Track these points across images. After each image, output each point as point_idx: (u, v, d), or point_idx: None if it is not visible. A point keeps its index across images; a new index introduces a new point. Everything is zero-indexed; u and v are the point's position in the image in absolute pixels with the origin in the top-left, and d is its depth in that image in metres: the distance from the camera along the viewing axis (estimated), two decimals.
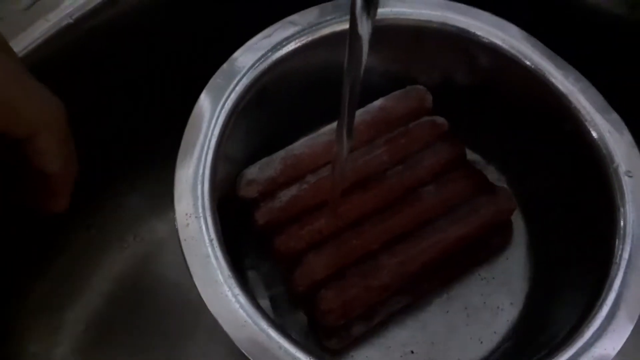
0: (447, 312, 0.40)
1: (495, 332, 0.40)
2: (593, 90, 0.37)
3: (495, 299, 0.41)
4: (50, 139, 0.23)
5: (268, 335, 0.27)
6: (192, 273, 0.28)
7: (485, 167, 0.45)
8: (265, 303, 0.40)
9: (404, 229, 0.38)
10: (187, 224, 0.30)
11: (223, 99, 0.34)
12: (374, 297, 0.36)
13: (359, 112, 0.42)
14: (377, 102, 0.42)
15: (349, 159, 0.39)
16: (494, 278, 0.42)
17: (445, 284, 0.41)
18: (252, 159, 0.39)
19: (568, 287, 0.37)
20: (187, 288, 0.28)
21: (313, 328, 0.38)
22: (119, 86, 0.40)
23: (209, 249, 0.29)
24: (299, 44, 0.37)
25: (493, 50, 0.39)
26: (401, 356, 0.39)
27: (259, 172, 0.38)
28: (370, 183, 0.39)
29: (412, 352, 0.39)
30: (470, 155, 0.45)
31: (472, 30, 0.38)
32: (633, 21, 0.40)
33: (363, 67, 0.23)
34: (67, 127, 0.24)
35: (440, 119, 0.42)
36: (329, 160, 0.39)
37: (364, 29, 0.22)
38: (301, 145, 0.40)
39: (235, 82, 0.35)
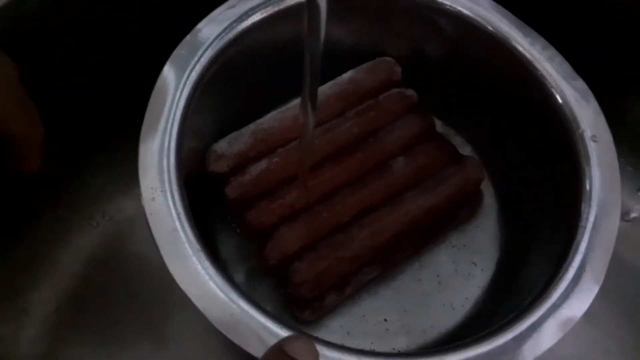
0: (419, 280, 0.41)
1: (466, 298, 0.41)
2: (560, 58, 0.37)
3: (466, 266, 0.42)
4: (6, 102, 0.22)
5: (239, 307, 0.27)
6: (160, 247, 0.28)
7: (455, 138, 0.46)
8: (239, 278, 0.40)
9: (375, 200, 0.38)
10: (153, 198, 0.29)
11: (187, 71, 0.33)
12: (346, 268, 0.36)
13: (328, 85, 0.41)
14: (347, 75, 0.42)
15: (317, 132, 0.39)
16: (465, 245, 0.42)
17: (416, 253, 0.41)
18: (221, 134, 0.39)
19: (537, 252, 0.38)
20: (159, 265, 0.28)
21: (287, 300, 0.38)
22: (80, 60, 0.39)
23: (177, 223, 0.29)
24: (264, 15, 0.36)
25: (460, 19, 0.38)
26: (375, 325, 0.39)
27: (228, 146, 0.38)
28: (341, 156, 0.39)
29: (386, 320, 0.39)
30: (440, 126, 0.45)
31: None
32: None
33: (323, 37, 0.23)
34: (23, 88, 0.24)
35: (409, 91, 0.42)
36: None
37: None
38: (271, 119, 0.39)
39: (199, 53, 0.34)
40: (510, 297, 0.37)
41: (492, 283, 0.41)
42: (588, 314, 0.41)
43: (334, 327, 0.39)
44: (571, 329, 0.30)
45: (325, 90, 0.41)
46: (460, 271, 0.42)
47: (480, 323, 0.39)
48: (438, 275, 0.41)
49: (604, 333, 0.43)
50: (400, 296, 0.40)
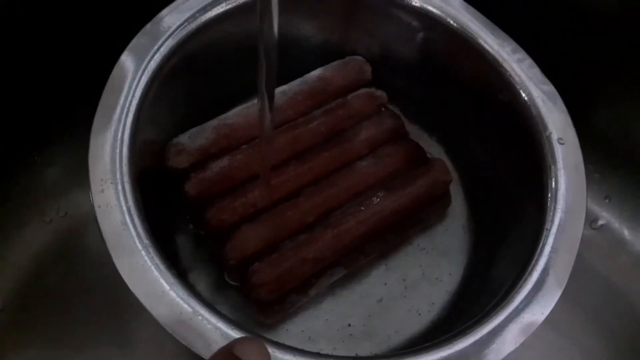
0: (385, 284, 0.40)
1: (433, 304, 0.40)
2: (529, 61, 0.37)
3: (434, 270, 0.41)
4: None
5: (189, 306, 0.26)
6: (107, 241, 0.26)
7: (426, 139, 0.45)
8: (197, 277, 0.38)
9: (340, 201, 0.37)
10: (102, 190, 0.28)
11: (146, 60, 0.32)
12: (309, 270, 0.35)
13: (296, 82, 0.41)
14: (316, 72, 0.41)
15: (283, 130, 0.38)
16: (433, 249, 0.42)
17: (383, 256, 0.40)
18: (182, 128, 0.37)
19: (504, 256, 0.38)
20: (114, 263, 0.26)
21: (247, 301, 0.37)
22: (31, 47, 0.37)
23: (126, 216, 0.27)
24: (230, 6, 0.35)
25: (430, 19, 0.38)
26: (338, 330, 0.38)
27: (189, 141, 0.37)
28: (307, 155, 0.38)
29: (350, 325, 0.38)
30: (411, 127, 0.45)
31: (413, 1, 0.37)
32: None
33: (276, 27, 0.22)
34: None
35: (378, 91, 0.42)
36: None
37: None
38: (235, 115, 0.38)
39: (159, 43, 0.33)
40: (476, 301, 0.37)
41: (460, 287, 0.41)
42: (554, 320, 0.41)
43: (296, 332, 0.37)
44: (536, 335, 0.29)
45: (293, 87, 0.40)
46: (427, 275, 0.41)
47: (446, 328, 0.38)
48: (405, 279, 0.40)
49: (570, 340, 0.42)
50: (365, 300, 0.39)
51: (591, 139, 0.43)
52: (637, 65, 0.41)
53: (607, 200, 0.47)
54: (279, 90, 0.39)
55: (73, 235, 0.41)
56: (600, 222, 0.47)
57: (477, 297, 0.37)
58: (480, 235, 0.42)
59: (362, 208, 0.37)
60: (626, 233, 0.46)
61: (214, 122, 0.38)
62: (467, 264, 0.41)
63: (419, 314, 0.39)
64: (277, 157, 0.37)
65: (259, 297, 0.34)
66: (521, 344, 0.28)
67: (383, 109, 0.42)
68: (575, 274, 0.43)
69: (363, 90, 0.41)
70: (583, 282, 0.44)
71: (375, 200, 0.37)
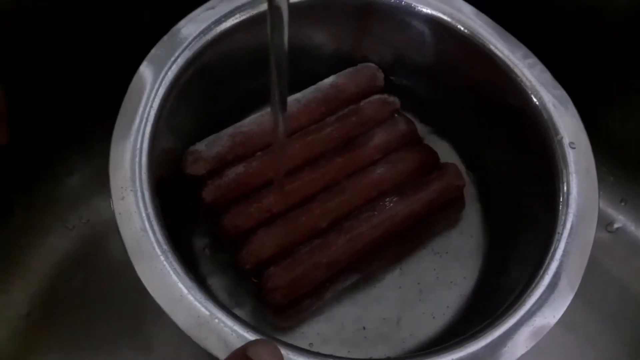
0: (400, 287, 0.40)
1: (448, 307, 0.40)
2: (540, 66, 0.37)
3: (448, 274, 0.41)
4: None
5: (207, 309, 0.27)
6: (127, 247, 0.27)
7: (440, 143, 0.45)
8: (215, 282, 0.39)
9: (353, 206, 0.38)
10: (123, 198, 0.29)
11: (164, 71, 0.33)
12: (323, 274, 0.36)
13: (310, 90, 0.41)
14: (328, 80, 0.42)
15: (297, 136, 0.39)
16: (447, 252, 0.42)
17: (397, 260, 0.41)
18: (199, 136, 0.38)
19: (518, 259, 0.38)
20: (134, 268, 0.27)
21: (263, 306, 0.38)
22: (58, 57, 0.38)
23: (146, 223, 0.28)
24: (244, 17, 0.36)
25: (442, 26, 0.38)
26: (353, 332, 0.38)
27: (206, 149, 0.38)
28: (320, 161, 0.39)
29: (364, 328, 0.39)
30: (425, 132, 0.45)
31: (420, 5, 0.38)
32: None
33: (286, 39, 0.23)
34: None
35: (391, 97, 0.42)
36: None
37: (281, 1, 0.21)
38: (250, 123, 0.39)
39: (177, 53, 0.34)
40: (490, 304, 0.37)
41: (474, 291, 0.41)
42: (570, 323, 0.41)
43: (311, 334, 0.38)
44: (552, 337, 0.29)
45: (307, 95, 0.41)
46: (442, 279, 0.41)
47: (461, 331, 0.38)
48: (419, 283, 0.41)
49: (586, 342, 0.42)
50: (380, 303, 0.40)
51: (605, 142, 0.43)
52: None
53: (622, 204, 0.46)
54: (292, 98, 0.40)
55: (94, 241, 0.42)
56: (616, 225, 0.46)
57: (491, 300, 0.37)
58: (494, 239, 0.42)
59: (376, 213, 0.38)
60: None
61: (229, 130, 0.39)
62: (481, 268, 0.42)
63: (434, 317, 0.40)
64: (291, 163, 0.38)
65: (274, 300, 0.35)
66: (537, 347, 0.29)
67: (396, 114, 0.42)
68: (591, 277, 0.43)
69: (376, 97, 0.42)
70: (599, 285, 0.44)
71: (389, 205, 0.38)
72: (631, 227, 0.46)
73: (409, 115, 0.43)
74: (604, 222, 0.46)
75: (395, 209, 0.38)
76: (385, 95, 0.42)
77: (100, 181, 0.42)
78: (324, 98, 0.41)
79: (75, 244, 0.42)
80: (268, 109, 0.40)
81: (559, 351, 0.41)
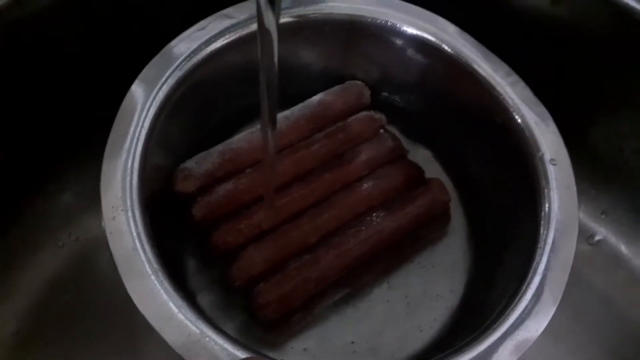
0: (388, 301, 0.41)
1: (435, 320, 0.40)
2: (522, 84, 0.38)
3: (435, 287, 0.41)
4: None
5: (197, 327, 0.27)
6: (118, 266, 0.28)
7: (425, 159, 0.46)
8: (205, 299, 0.39)
9: (342, 222, 0.38)
10: (114, 217, 0.29)
11: (155, 90, 0.34)
12: (312, 290, 0.36)
13: (298, 107, 0.42)
14: (316, 97, 0.43)
15: (286, 153, 0.40)
16: (434, 266, 0.42)
17: (385, 274, 0.41)
18: (189, 153, 0.39)
19: (502, 273, 0.38)
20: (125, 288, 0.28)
21: (253, 322, 0.38)
22: (47, 77, 0.39)
23: (136, 242, 0.29)
24: (234, 37, 0.37)
25: (427, 45, 0.39)
26: (342, 347, 0.39)
27: (196, 166, 0.38)
28: (309, 177, 0.40)
29: (353, 342, 0.39)
30: (410, 147, 0.46)
31: (405, 25, 0.39)
32: (554, 15, 0.41)
33: (276, 60, 0.23)
34: None
35: (378, 114, 0.43)
36: None
37: (271, 22, 0.22)
38: (240, 140, 0.40)
39: (168, 73, 0.34)
40: (477, 317, 0.37)
41: (460, 304, 0.41)
42: (554, 333, 0.42)
43: (300, 350, 0.38)
44: (537, 348, 0.30)
45: (295, 112, 0.42)
46: (429, 292, 0.42)
47: (448, 344, 0.39)
48: (407, 297, 0.41)
49: (570, 353, 0.43)
50: (368, 318, 0.40)
51: (586, 156, 0.45)
52: (624, 86, 0.42)
53: (603, 216, 0.48)
54: (281, 115, 0.41)
55: (84, 259, 0.42)
56: (597, 238, 0.48)
57: (477, 313, 0.38)
58: (480, 253, 0.43)
59: (363, 228, 0.38)
60: (623, 248, 0.47)
61: (219, 147, 0.39)
62: (467, 281, 0.42)
63: (421, 330, 0.40)
64: (281, 180, 0.39)
65: (264, 316, 0.35)
66: (523, 358, 0.29)
67: (382, 130, 0.43)
68: (574, 288, 0.43)
69: (363, 114, 0.43)
70: (582, 296, 0.45)
71: (376, 220, 0.39)
72: (612, 239, 0.48)
73: (395, 132, 0.44)
74: (586, 235, 0.47)
75: (382, 224, 0.39)
76: (372, 112, 0.43)
77: (91, 199, 0.43)
78: (312, 115, 0.42)
79: (65, 262, 0.42)
80: (258, 126, 0.41)
81: None
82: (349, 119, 0.42)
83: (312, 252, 0.37)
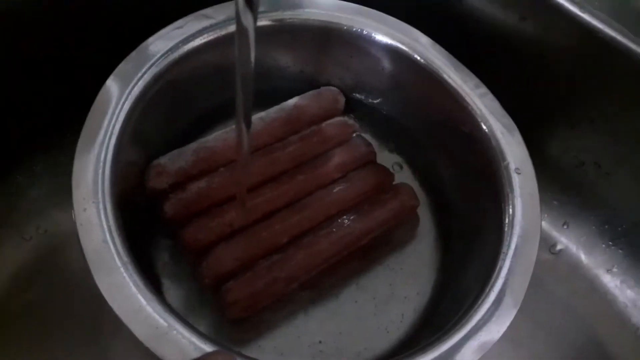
0: (356, 302, 0.41)
1: (402, 322, 0.41)
2: (490, 96, 0.40)
3: (402, 289, 0.42)
4: None
5: (165, 320, 0.27)
6: (87, 258, 0.28)
7: (396, 164, 0.47)
8: (175, 295, 0.39)
9: (313, 223, 0.39)
10: (85, 209, 0.29)
11: (131, 85, 0.34)
12: (281, 289, 0.37)
13: (274, 109, 0.43)
14: (292, 101, 0.43)
15: (260, 154, 0.40)
16: (402, 268, 0.43)
17: (353, 275, 0.42)
18: (163, 150, 0.39)
19: (468, 276, 0.39)
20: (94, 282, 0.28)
21: (221, 318, 0.38)
22: (18, 69, 0.38)
23: (107, 235, 0.29)
24: (212, 37, 0.37)
25: (399, 55, 0.41)
26: (309, 346, 0.39)
27: (169, 163, 0.38)
28: (282, 178, 0.40)
29: (320, 341, 0.39)
30: (381, 152, 0.47)
31: (379, 34, 0.40)
32: (522, 30, 0.43)
33: (253, 60, 0.24)
34: None
35: (351, 120, 0.44)
36: None
37: (249, 24, 0.23)
38: (214, 139, 0.40)
39: (144, 69, 0.35)
40: (443, 319, 0.38)
41: (427, 306, 0.42)
42: (515, 340, 0.43)
43: (268, 348, 0.39)
44: (498, 353, 0.31)
45: (270, 114, 0.42)
46: (396, 294, 0.42)
47: (414, 345, 0.40)
48: (375, 298, 0.42)
49: (531, 358, 0.44)
50: (336, 318, 0.41)
51: (549, 168, 0.47)
52: (585, 101, 0.44)
53: (565, 227, 0.49)
54: (256, 116, 0.41)
55: (52, 253, 0.41)
56: (559, 247, 0.49)
57: (444, 315, 0.39)
58: (447, 256, 0.44)
59: (334, 230, 0.39)
60: (583, 258, 0.49)
61: (193, 145, 0.39)
62: (434, 283, 0.43)
63: (388, 331, 0.41)
64: (254, 180, 0.39)
65: (232, 314, 0.35)
66: None
67: (355, 135, 0.44)
68: (535, 296, 0.45)
69: (337, 119, 0.44)
70: (543, 304, 0.46)
71: (347, 222, 0.39)
72: (573, 248, 0.49)
73: (367, 137, 0.45)
74: (548, 244, 0.49)
75: (352, 226, 0.39)
76: (346, 118, 0.44)
77: (60, 192, 0.42)
78: (288, 118, 0.42)
79: (31, 255, 0.41)
80: (233, 126, 0.41)
81: None
82: (323, 124, 0.43)
83: (282, 251, 0.37)
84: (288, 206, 0.39)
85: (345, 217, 0.39)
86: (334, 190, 0.40)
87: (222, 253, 0.36)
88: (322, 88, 0.44)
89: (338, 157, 0.42)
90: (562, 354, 0.45)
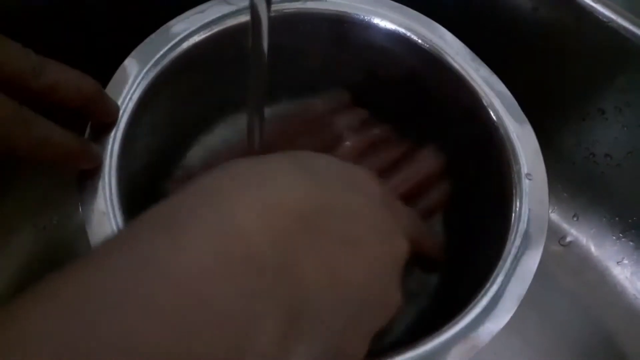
0: None
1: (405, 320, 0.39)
2: (507, 93, 0.38)
3: (405, 287, 0.41)
4: None
5: None
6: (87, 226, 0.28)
7: None
8: None
9: None
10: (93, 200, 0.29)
11: (148, 65, 0.33)
12: None
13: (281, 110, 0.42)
14: (300, 102, 0.42)
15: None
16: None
17: None
18: (174, 135, 0.38)
19: (469, 278, 0.37)
20: None
21: None
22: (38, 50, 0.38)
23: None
24: (233, 23, 0.37)
25: (418, 49, 0.39)
26: None
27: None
28: None
29: None
30: None
31: (395, 26, 0.39)
32: (534, 21, 0.42)
33: (266, 51, 0.24)
34: None
35: (360, 110, 0.43)
36: None
37: (263, 12, 0.23)
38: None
39: (163, 51, 0.34)
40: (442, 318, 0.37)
41: (430, 304, 0.41)
42: (523, 333, 0.43)
43: None
44: (506, 345, 0.29)
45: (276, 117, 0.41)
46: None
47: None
48: None
49: (539, 353, 0.44)
50: None
51: (559, 160, 0.47)
52: (594, 95, 0.43)
53: (575, 219, 0.49)
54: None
55: (65, 243, 0.41)
56: (568, 239, 0.49)
57: (445, 315, 0.38)
58: (451, 255, 0.41)
59: None
60: (593, 250, 0.49)
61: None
62: (436, 283, 0.41)
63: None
64: None
65: None
66: (493, 355, 0.29)
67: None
68: (544, 288, 0.45)
69: (346, 110, 0.43)
70: (552, 296, 0.46)
71: None
72: (582, 240, 0.49)
73: None
74: (558, 236, 0.49)
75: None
76: (356, 108, 0.43)
77: (73, 183, 0.42)
78: (297, 118, 0.41)
79: (43, 245, 0.41)
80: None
81: (511, 358, 0.43)
82: (334, 117, 0.42)
83: None
84: None
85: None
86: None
87: None
88: (332, 90, 0.43)
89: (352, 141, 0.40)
90: (570, 345, 0.45)
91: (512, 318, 0.31)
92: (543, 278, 0.33)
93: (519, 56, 0.45)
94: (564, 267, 0.48)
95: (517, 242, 0.33)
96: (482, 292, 0.31)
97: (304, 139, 0.41)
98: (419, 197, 0.41)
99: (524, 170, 0.35)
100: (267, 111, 0.41)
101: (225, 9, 0.37)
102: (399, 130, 0.45)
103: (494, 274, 0.32)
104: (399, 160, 0.41)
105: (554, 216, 0.49)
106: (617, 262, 0.48)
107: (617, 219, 0.48)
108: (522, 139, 0.36)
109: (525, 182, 0.35)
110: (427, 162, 0.41)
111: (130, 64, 0.33)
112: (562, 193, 0.49)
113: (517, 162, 0.35)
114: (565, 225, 0.49)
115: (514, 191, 0.35)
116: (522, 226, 0.33)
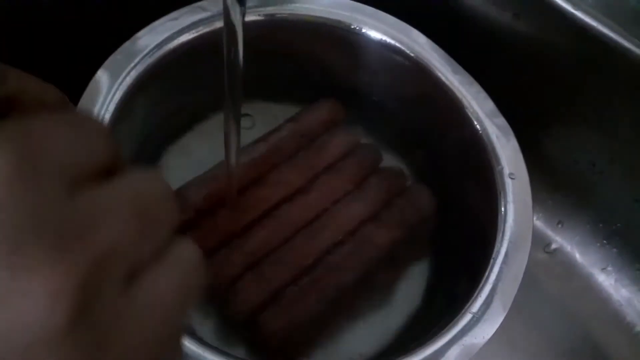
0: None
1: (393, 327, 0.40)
2: (484, 95, 0.39)
3: (395, 294, 0.41)
4: None
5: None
6: None
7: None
8: (207, 327, 0.37)
9: (335, 240, 0.38)
10: None
11: (121, 77, 0.33)
12: (315, 312, 0.35)
13: (274, 133, 0.41)
14: (292, 117, 0.42)
15: (272, 175, 0.39)
16: None
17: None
18: (153, 141, 0.38)
19: (460, 280, 0.38)
20: None
21: (256, 350, 0.36)
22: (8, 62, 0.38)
23: None
24: (207, 29, 0.36)
25: (397, 54, 0.40)
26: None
27: (194, 193, 0.37)
28: (297, 197, 0.39)
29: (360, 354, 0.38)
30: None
31: (375, 32, 0.39)
32: (515, 28, 0.42)
33: (241, 56, 0.24)
34: None
35: (354, 129, 0.43)
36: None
37: (237, 19, 0.22)
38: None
39: (136, 61, 0.34)
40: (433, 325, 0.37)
41: (420, 309, 0.41)
42: (510, 340, 0.43)
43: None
44: (494, 353, 0.30)
45: (271, 137, 0.41)
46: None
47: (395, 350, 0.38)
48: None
49: (525, 358, 0.44)
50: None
51: (543, 167, 0.47)
52: (579, 101, 0.43)
53: (559, 226, 0.49)
54: (254, 143, 0.40)
55: None
56: (553, 246, 0.49)
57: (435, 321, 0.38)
58: (439, 261, 0.43)
59: (357, 246, 0.38)
60: (577, 257, 0.49)
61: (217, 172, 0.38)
62: (425, 288, 0.42)
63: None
64: (266, 205, 0.38)
65: (271, 345, 0.34)
66: None
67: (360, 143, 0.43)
68: (530, 295, 0.45)
69: (339, 129, 0.43)
70: (538, 303, 0.46)
71: (369, 234, 0.38)
72: (567, 247, 0.49)
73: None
74: (542, 243, 0.49)
75: (378, 235, 0.38)
76: (348, 128, 0.43)
77: None
78: (290, 136, 0.41)
79: None
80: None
81: None
82: (326, 135, 0.42)
83: (309, 274, 0.36)
84: (307, 226, 0.38)
85: (366, 229, 0.38)
86: (351, 203, 0.39)
87: (249, 285, 0.35)
88: (322, 100, 0.43)
89: (348, 169, 0.40)
90: (556, 352, 0.45)
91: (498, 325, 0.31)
92: (529, 285, 0.34)
93: (500, 63, 0.45)
94: (549, 274, 0.48)
95: (505, 242, 0.33)
96: (476, 293, 0.31)
97: (300, 157, 0.41)
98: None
99: (506, 170, 0.35)
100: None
101: (199, 15, 0.36)
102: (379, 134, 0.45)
103: (486, 274, 0.32)
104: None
105: (539, 223, 0.49)
106: (602, 269, 0.48)
107: (600, 225, 0.48)
108: (502, 139, 0.37)
109: (509, 182, 0.35)
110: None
111: (103, 76, 0.33)
112: (547, 200, 0.49)
113: (499, 162, 0.35)
114: (550, 232, 0.49)
115: (498, 191, 0.35)
116: (509, 227, 0.34)
